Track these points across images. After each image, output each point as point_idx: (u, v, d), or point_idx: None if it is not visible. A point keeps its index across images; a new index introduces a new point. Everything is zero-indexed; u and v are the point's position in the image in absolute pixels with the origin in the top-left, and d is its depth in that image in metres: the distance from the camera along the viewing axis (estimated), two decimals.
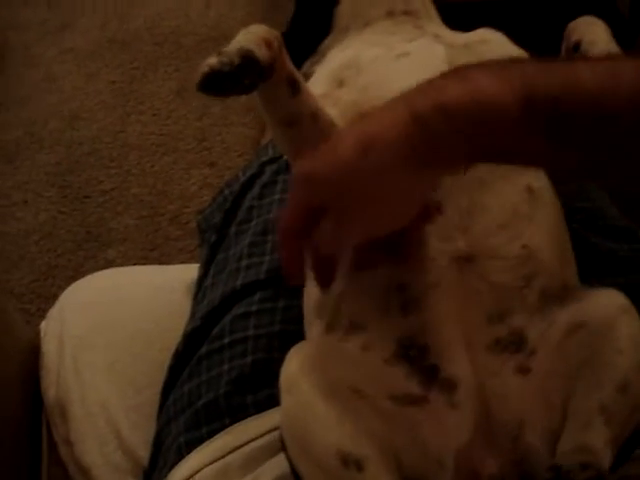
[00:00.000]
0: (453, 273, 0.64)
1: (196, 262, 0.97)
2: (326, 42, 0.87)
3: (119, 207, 1.94)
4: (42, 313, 1.76)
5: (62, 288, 1.76)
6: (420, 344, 0.63)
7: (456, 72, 0.52)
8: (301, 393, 0.60)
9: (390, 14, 0.82)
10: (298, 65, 0.87)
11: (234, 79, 0.58)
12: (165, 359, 0.87)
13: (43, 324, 1.04)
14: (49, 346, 0.98)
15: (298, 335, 0.72)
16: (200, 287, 0.88)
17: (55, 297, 1.77)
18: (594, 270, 0.76)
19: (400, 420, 0.61)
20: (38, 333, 1.04)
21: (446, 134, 0.51)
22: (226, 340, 0.78)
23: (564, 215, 0.72)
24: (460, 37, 0.80)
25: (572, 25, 0.71)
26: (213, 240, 0.89)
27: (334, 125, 0.69)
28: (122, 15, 2.47)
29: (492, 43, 0.78)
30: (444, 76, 0.52)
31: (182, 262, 1.69)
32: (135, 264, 1.80)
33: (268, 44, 0.61)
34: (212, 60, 0.57)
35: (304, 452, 0.60)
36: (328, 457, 0.58)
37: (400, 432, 0.60)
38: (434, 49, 0.75)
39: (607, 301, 0.64)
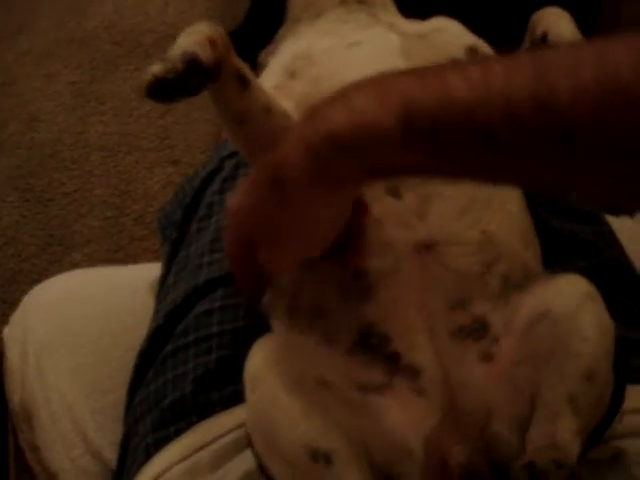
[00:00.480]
0: (412, 260, 0.64)
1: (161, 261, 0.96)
2: (280, 32, 0.86)
3: (82, 209, 1.92)
4: (7, 319, 1.74)
5: (27, 293, 1.75)
6: (380, 332, 0.63)
7: (342, 93, 0.52)
8: (265, 388, 0.60)
9: (343, 3, 0.82)
10: (255, 56, 0.86)
11: (179, 84, 0.57)
12: (130, 359, 0.86)
13: (6, 330, 1.02)
14: (12, 351, 0.97)
15: (262, 330, 0.72)
16: (163, 285, 0.87)
17: (20, 302, 1.77)
18: (556, 254, 0.76)
19: (367, 409, 0.61)
20: (1, 339, 1.02)
21: (337, 161, 0.51)
22: (190, 338, 0.77)
23: (524, 199, 0.72)
24: (415, 26, 0.79)
25: (537, 16, 0.70)
26: (174, 237, 0.88)
27: (288, 117, 0.68)
28: (79, 14, 2.43)
29: (447, 31, 0.77)
30: (332, 98, 0.52)
31: (148, 262, 1.68)
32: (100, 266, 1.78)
33: (212, 43, 0.61)
34: (156, 68, 0.57)
35: (271, 448, 0.60)
36: (296, 452, 0.57)
37: (367, 421, 0.60)
38: (388, 38, 0.75)
39: (570, 288, 0.64)
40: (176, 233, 0.88)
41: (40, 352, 0.94)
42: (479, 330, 0.63)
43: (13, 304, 1.77)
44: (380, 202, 0.64)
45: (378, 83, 0.51)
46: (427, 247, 0.63)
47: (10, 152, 2.06)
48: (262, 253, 0.58)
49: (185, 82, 0.57)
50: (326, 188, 0.53)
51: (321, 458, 0.57)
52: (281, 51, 0.80)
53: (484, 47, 0.77)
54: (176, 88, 0.57)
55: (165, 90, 0.57)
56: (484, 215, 0.66)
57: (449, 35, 0.77)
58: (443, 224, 0.64)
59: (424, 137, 0.48)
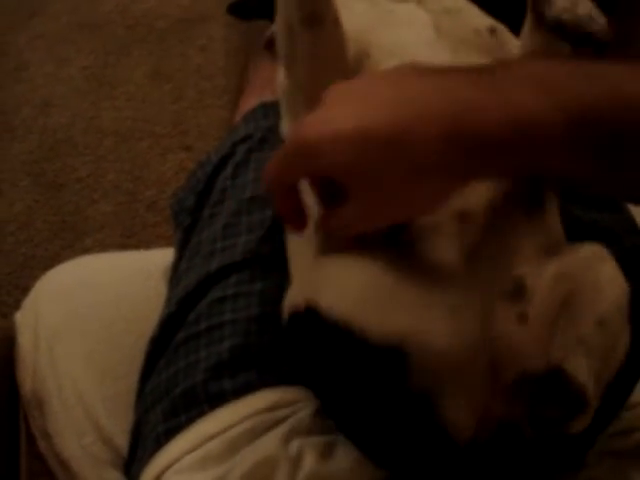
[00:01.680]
0: (454, 226, 0.62)
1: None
2: None
3: (95, 194, 1.91)
4: (19, 305, 1.74)
5: (39, 279, 1.75)
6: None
7: (493, 83, 0.50)
8: None
9: None
10: None
11: None
12: (142, 346, 0.85)
13: (18, 315, 1.02)
14: (24, 338, 0.96)
15: (276, 318, 0.70)
16: (175, 272, 0.86)
17: (32, 288, 1.77)
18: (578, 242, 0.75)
19: None
20: (14, 325, 1.02)
21: (482, 160, 0.50)
22: (203, 326, 0.76)
23: None
24: (440, 2, 0.78)
25: None
26: (187, 223, 0.87)
27: (347, 41, 0.66)
28: None
29: (468, 11, 0.76)
30: (481, 88, 0.50)
31: (160, 248, 1.67)
32: (113, 252, 1.78)
33: None
34: None
35: None
36: None
37: None
38: (419, 13, 0.74)
39: (587, 251, 0.65)
40: (189, 219, 0.87)
41: (52, 339, 0.93)
42: (518, 292, 0.62)
43: (26, 290, 1.76)
44: None
45: (540, 80, 0.49)
46: (466, 215, 0.62)
47: (23, 137, 2.05)
48: (348, 206, 0.55)
49: None
50: (457, 178, 0.52)
51: None
52: None
53: (502, 27, 0.76)
54: None
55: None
56: None
57: (471, 14, 0.76)
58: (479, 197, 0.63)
59: (591, 138, 0.47)
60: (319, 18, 0.64)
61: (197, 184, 0.89)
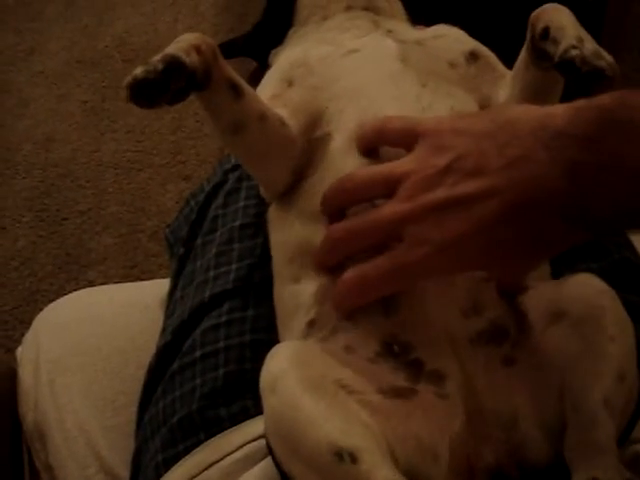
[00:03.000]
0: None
1: None
2: (289, 34, 0.86)
3: (97, 227, 1.93)
4: None
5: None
6: (402, 341, 0.62)
7: (617, 123, 0.52)
8: (286, 391, 0.58)
9: (349, 8, 0.82)
10: (267, 55, 0.87)
11: (160, 85, 0.57)
12: (141, 376, 0.85)
13: (19, 349, 1.02)
14: (25, 371, 0.97)
15: (269, 344, 0.70)
16: (170, 301, 0.87)
17: None
18: (566, 257, 0.75)
19: (391, 412, 0.59)
20: (15, 359, 1.02)
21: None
22: (197, 354, 0.76)
23: None
24: (414, 33, 0.79)
25: (536, 13, 0.69)
26: (181, 253, 0.88)
27: (284, 125, 0.68)
28: (89, 35, 2.46)
29: (446, 37, 0.77)
30: (604, 126, 0.53)
31: (163, 278, 1.67)
32: (117, 283, 1.79)
33: (198, 50, 0.61)
34: (137, 70, 0.57)
35: (293, 452, 0.57)
36: (320, 453, 0.55)
37: (392, 424, 0.59)
38: (385, 44, 0.75)
39: (585, 288, 0.63)
40: (182, 249, 0.88)
41: (52, 372, 0.94)
42: (498, 334, 0.62)
43: (30, 324, 1.79)
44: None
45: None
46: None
47: (25, 173, 2.08)
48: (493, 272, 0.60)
49: (166, 83, 0.57)
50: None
51: (347, 457, 0.54)
52: (280, 58, 0.80)
53: (486, 52, 0.77)
54: (157, 89, 0.57)
55: (146, 92, 0.57)
56: None
57: (448, 41, 0.77)
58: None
59: None
60: (240, 125, 0.66)
61: (190, 214, 0.90)
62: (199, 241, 0.86)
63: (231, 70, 0.65)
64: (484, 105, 0.74)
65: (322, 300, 0.65)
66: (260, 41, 0.91)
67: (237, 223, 0.83)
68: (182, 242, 0.89)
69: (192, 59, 0.59)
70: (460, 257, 0.58)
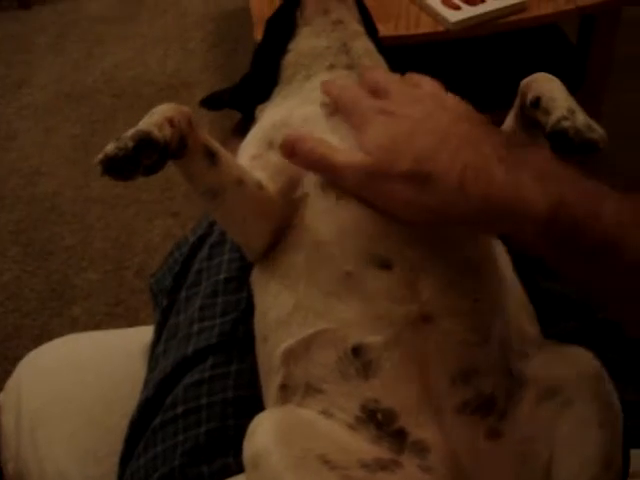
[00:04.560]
0: (410, 333, 0.62)
1: None
2: (274, 91, 0.87)
3: (83, 262, 1.92)
4: (9, 376, 1.75)
5: (28, 349, 1.73)
6: (384, 408, 0.61)
7: (517, 162, 0.58)
8: (268, 469, 0.57)
9: (331, 67, 0.82)
10: (253, 110, 0.88)
11: (132, 162, 0.58)
12: (124, 426, 0.85)
13: (1, 396, 1.02)
14: (6, 420, 0.97)
15: (252, 400, 0.71)
16: (153, 354, 0.87)
17: (21, 358, 1.77)
18: (548, 316, 0.76)
19: None
20: None
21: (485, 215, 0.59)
22: (179, 410, 0.76)
23: (513, 262, 0.72)
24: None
25: (527, 82, 0.70)
26: (164, 305, 0.88)
27: (262, 188, 0.69)
28: (79, 69, 2.47)
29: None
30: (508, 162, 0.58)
31: (148, 315, 1.68)
32: (100, 320, 1.79)
33: (171, 122, 0.61)
34: (109, 147, 0.58)
35: None
36: None
37: None
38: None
39: (581, 367, 0.63)
40: (166, 300, 0.88)
41: (34, 421, 0.93)
42: (484, 405, 0.62)
43: (15, 360, 1.76)
44: (371, 275, 0.64)
45: (543, 173, 0.57)
46: (423, 319, 0.63)
47: (11, 207, 2.08)
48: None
49: (136, 160, 0.58)
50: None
51: None
52: (262, 118, 0.81)
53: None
54: (129, 166, 0.58)
55: (118, 168, 0.58)
56: (475, 284, 0.65)
57: None
58: (435, 296, 0.63)
59: (559, 232, 0.55)
60: (217, 191, 0.67)
61: (174, 265, 0.90)
62: (183, 294, 0.86)
63: (207, 137, 0.66)
64: None
65: (288, 362, 0.65)
66: (246, 95, 0.92)
67: (221, 276, 0.83)
68: (166, 293, 0.89)
69: (164, 132, 0.60)
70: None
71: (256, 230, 0.70)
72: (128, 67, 2.46)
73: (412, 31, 1.44)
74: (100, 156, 0.58)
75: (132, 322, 1.76)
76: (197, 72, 2.40)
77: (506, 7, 1.46)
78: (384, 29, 1.43)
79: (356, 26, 0.86)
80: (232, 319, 0.80)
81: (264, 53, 0.91)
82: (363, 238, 0.65)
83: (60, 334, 1.76)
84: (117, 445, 0.86)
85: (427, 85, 0.71)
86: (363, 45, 0.85)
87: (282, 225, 0.70)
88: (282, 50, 0.86)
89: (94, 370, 0.97)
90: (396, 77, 0.75)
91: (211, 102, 1.00)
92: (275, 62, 0.86)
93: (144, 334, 0.98)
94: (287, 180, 0.71)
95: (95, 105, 2.34)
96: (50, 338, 1.74)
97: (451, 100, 0.69)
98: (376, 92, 0.70)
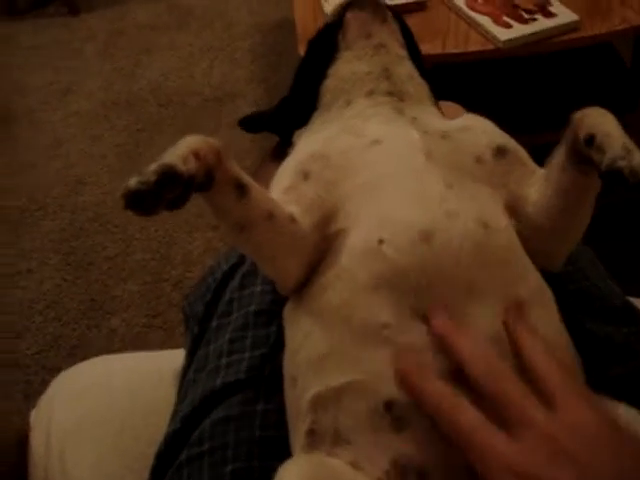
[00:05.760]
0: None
1: None
2: (313, 116, 0.85)
3: (123, 273, 1.92)
4: (46, 386, 1.76)
5: (66, 359, 1.76)
6: (415, 465, 0.58)
7: None
8: None
9: (371, 94, 0.80)
10: (291, 134, 0.86)
11: (155, 197, 0.56)
12: (151, 454, 0.84)
13: (33, 413, 1.02)
14: (36, 439, 0.96)
15: (278, 441, 0.69)
16: (182, 382, 0.85)
17: (59, 369, 1.77)
18: (592, 360, 0.72)
19: None
20: (28, 423, 1.02)
21: None
22: (206, 446, 0.74)
23: (557, 305, 0.69)
24: (441, 123, 0.77)
25: (579, 117, 0.66)
26: (195, 333, 0.86)
27: (294, 222, 0.66)
28: (126, 77, 2.48)
29: (473, 130, 0.74)
30: None
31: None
32: (138, 332, 1.79)
33: (197, 155, 0.59)
34: (132, 180, 0.55)
35: None
36: None
37: None
38: (409, 136, 0.73)
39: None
40: (197, 328, 0.86)
41: (63, 444, 0.93)
42: None
43: (52, 370, 1.79)
44: (410, 328, 0.61)
45: None
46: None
47: (54, 215, 2.09)
48: None
49: (159, 194, 0.56)
50: None
51: None
52: (300, 145, 0.78)
53: (514, 146, 0.75)
54: (151, 200, 0.56)
55: (141, 203, 0.56)
56: (518, 341, 0.62)
57: (475, 134, 0.74)
58: None
59: None
60: (246, 225, 0.65)
61: (206, 292, 0.89)
62: (214, 323, 0.84)
63: (237, 169, 0.64)
64: (513, 205, 0.71)
65: (317, 408, 0.63)
66: (284, 119, 0.90)
67: (252, 308, 0.81)
68: (197, 321, 0.87)
69: (189, 166, 0.58)
70: None
71: (287, 265, 0.68)
72: (175, 76, 2.46)
73: (461, 49, 1.40)
74: (123, 189, 0.56)
75: (170, 335, 1.76)
76: (242, 83, 2.39)
77: (559, 26, 1.42)
78: (431, 47, 1.41)
79: (399, 50, 0.83)
80: (261, 355, 0.78)
81: (304, 76, 0.89)
82: (404, 288, 0.62)
83: (98, 345, 1.78)
84: (143, 472, 0.84)
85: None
86: (405, 70, 0.82)
87: (316, 260, 0.68)
88: (322, 75, 0.84)
89: (126, 394, 0.96)
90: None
91: (249, 124, 0.98)
92: (315, 87, 0.84)
93: (176, 358, 0.96)
94: (322, 215, 0.68)
95: (141, 114, 2.35)
96: (88, 349, 1.77)
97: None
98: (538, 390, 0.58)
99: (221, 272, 0.89)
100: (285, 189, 0.70)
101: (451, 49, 1.39)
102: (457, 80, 1.53)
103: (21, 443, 1.00)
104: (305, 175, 0.71)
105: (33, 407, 1.02)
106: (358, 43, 0.83)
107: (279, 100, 0.95)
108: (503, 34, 1.39)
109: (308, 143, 0.76)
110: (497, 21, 1.42)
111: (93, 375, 1.01)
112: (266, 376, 0.76)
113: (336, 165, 0.71)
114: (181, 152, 0.59)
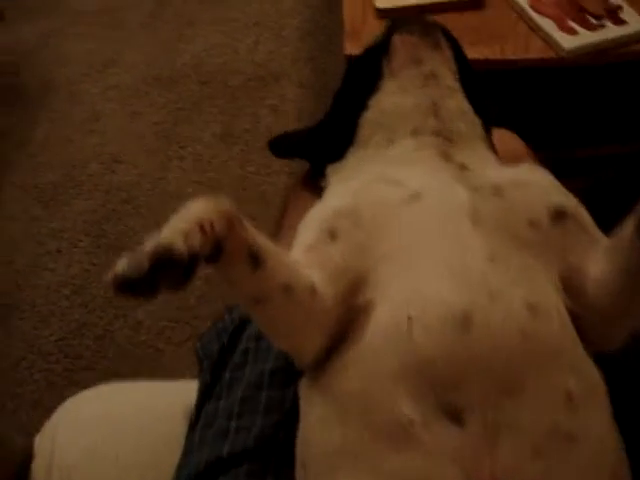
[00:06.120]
0: None
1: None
2: (349, 152, 0.76)
3: None
4: (68, 374, 1.72)
5: (90, 348, 1.71)
6: None
7: None
8: None
9: (416, 132, 0.71)
10: (323, 166, 0.77)
11: (149, 284, 0.48)
12: None
13: (37, 440, 0.96)
14: (38, 469, 0.92)
15: None
16: (190, 434, 0.78)
17: (81, 358, 1.73)
18: None
19: None
20: (31, 446, 0.96)
21: None
22: None
23: (612, 409, 0.60)
24: (493, 172, 0.68)
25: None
26: (207, 380, 0.80)
27: (315, 294, 0.58)
28: (169, 50, 2.40)
29: (530, 187, 0.65)
30: None
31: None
32: (164, 327, 1.72)
33: (202, 227, 0.51)
34: (121, 263, 0.48)
35: None
36: None
37: None
38: (454, 192, 0.63)
39: None
40: (209, 376, 0.79)
41: (65, 475, 0.88)
42: None
43: (75, 359, 1.75)
44: (437, 427, 0.53)
45: None
46: None
47: (88, 194, 2.03)
48: None
49: (153, 281, 0.48)
50: None
51: None
52: (331, 190, 0.70)
53: (575, 208, 0.65)
54: (145, 287, 0.48)
55: (133, 289, 0.48)
56: (565, 456, 0.54)
57: (531, 192, 0.65)
58: (513, 465, 0.53)
59: None
60: (260, 298, 0.57)
61: (223, 333, 0.81)
62: (227, 375, 0.77)
63: (251, 236, 0.56)
64: (568, 278, 0.62)
65: None
66: (318, 148, 0.81)
67: (268, 366, 0.74)
68: (211, 364, 0.80)
69: (193, 242, 0.50)
70: None
71: (305, 341, 0.60)
72: (218, 52, 2.36)
73: (520, 55, 1.29)
74: (111, 274, 0.48)
75: (196, 331, 1.69)
76: (288, 63, 2.29)
77: (629, 35, 1.29)
78: (489, 52, 1.30)
79: (451, 81, 0.74)
80: (274, 422, 0.70)
81: (343, 103, 0.80)
82: (432, 380, 0.54)
83: (122, 337, 1.72)
84: None
85: None
86: (456, 105, 0.73)
87: (339, 333, 0.60)
88: (362, 105, 0.74)
89: (134, 429, 0.90)
90: None
91: (280, 147, 0.90)
92: (353, 118, 0.75)
93: (189, 392, 0.89)
94: (348, 283, 0.60)
95: (182, 91, 2.27)
96: (112, 342, 1.71)
97: None
98: None
99: (238, 313, 0.81)
100: (309, 248, 0.62)
101: (509, 55, 1.28)
102: (515, 85, 1.42)
103: (24, 467, 0.95)
104: (332, 234, 0.62)
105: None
106: (405, 71, 0.73)
107: (314, 124, 0.86)
108: (567, 41, 1.27)
109: (339, 193, 0.68)
110: (561, 26, 1.30)
111: (100, 404, 0.95)
112: (278, 446, 0.68)
113: (368, 224, 0.62)
114: (183, 226, 0.52)
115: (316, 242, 0.62)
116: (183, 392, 0.92)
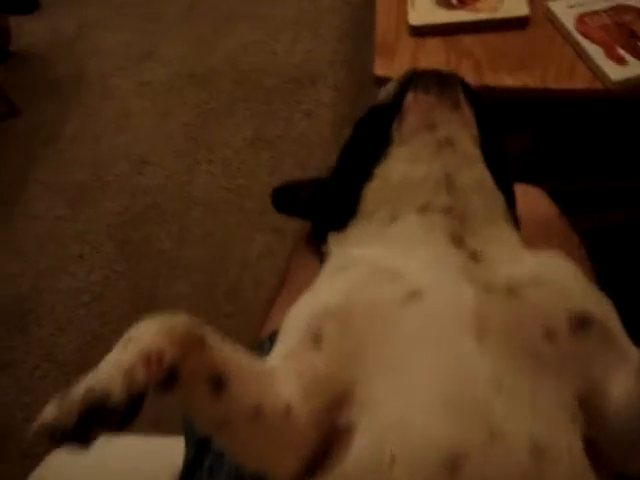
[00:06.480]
0: None
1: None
2: (350, 225, 0.68)
3: (175, 271, 1.81)
4: None
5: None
6: None
7: None
8: None
9: (424, 209, 0.62)
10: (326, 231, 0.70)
11: (81, 432, 0.42)
12: None
13: None
14: None
15: None
16: None
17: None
18: None
19: None
20: None
21: None
22: None
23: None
24: (509, 265, 0.59)
25: None
26: (190, 457, 0.73)
27: (289, 414, 0.51)
28: (205, 46, 2.33)
29: (550, 288, 0.57)
30: None
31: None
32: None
33: (148, 361, 0.45)
34: (47, 410, 0.42)
35: None
36: None
37: None
38: (460, 292, 0.55)
39: None
40: (193, 453, 0.73)
41: None
42: None
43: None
44: None
45: None
46: None
47: (114, 196, 1.98)
48: None
49: (86, 429, 0.42)
50: None
51: None
52: (322, 282, 0.62)
53: (602, 315, 0.56)
54: (77, 435, 0.42)
55: (62, 439, 0.42)
56: None
57: (551, 294, 0.56)
58: None
59: None
60: (224, 424, 0.51)
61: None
62: (207, 463, 0.71)
63: (215, 358, 0.49)
64: (587, 398, 0.54)
65: None
66: (320, 210, 0.74)
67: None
68: (194, 441, 0.74)
69: (134, 381, 0.44)
70: None
71: (277, 465, 0.53)
72: (254, 50, 2.29)
73: (562, 85, 1.18)
74: (37, 422, 0.42)
75: None
76: (324, 64, 2.20)
77: None
78: (529, 79, 1.20)
79: (469, 147, 0.65)
80: None
81: (347, 167, 0.72)
82: None
83: None
84: None
85: None
86: (474, 177, 0.64)
87: (320, 450, 0.53)
88: (367, 173, 0.66)
89: None
90: None
91: (283, 202, 0.83)
92: (357, 187, 0.67)
93: (179, 452, 0.84)
94: (328, 398, 0.53)
95: (214, 90, 2.20)
96: None
97: None
98: None
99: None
100: (289, 354, 0.55)
101: (551, 84, 1.18)
102: (550, 113, 1.32)
103: None
104: (317, 338, 0.55)
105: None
106: (417, 137, 0.65)
107: (318, 181, 0.79)
108: (615, 72, 1.16)
109: (331, 285, 0.60)
110: (610, 53, 1.19)
111: (87, 462, 0.89)
112: None
113: (358, 329, 0.54)
114: (125, 359, 0.45)
115: (298, 347, 0.55)
116: (174, 453, 0.86)
